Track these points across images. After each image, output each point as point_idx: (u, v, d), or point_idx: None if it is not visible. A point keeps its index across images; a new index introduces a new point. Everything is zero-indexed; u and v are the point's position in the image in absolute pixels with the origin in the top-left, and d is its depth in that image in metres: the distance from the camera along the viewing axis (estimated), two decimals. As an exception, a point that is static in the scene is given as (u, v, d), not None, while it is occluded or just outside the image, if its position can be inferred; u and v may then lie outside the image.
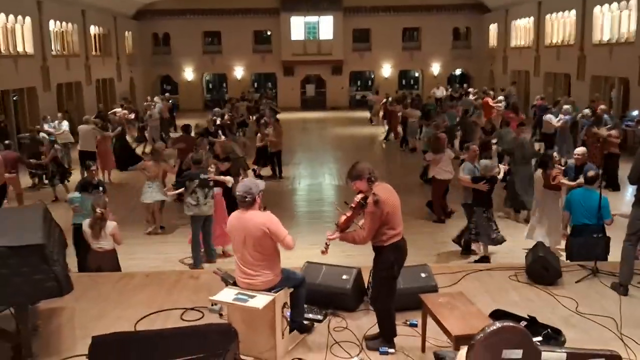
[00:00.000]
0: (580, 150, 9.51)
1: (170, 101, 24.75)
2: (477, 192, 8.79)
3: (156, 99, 23.36)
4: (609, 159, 12.47)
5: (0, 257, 4.72)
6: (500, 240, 8.76)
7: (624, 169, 11.37)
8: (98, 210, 7.20)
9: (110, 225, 7.29)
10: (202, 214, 8.74)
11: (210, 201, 8.83)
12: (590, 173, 7.59)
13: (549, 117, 15.85)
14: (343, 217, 5.07)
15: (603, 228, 7.43)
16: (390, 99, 22.57)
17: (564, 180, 8.77)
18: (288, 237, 5.10)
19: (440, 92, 28.83)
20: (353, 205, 5.05)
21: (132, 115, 20.17)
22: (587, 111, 15.51)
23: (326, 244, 5.07)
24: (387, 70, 34.66)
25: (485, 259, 8.79)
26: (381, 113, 23.94)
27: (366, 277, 6.24)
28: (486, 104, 19.78)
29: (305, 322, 5.64)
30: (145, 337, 4.61)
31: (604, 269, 6.92)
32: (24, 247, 4.79)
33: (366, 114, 28.05)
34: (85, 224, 7.37)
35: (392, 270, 5.12)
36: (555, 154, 9.62)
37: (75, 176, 13.34)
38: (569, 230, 7.96)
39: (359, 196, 5.05)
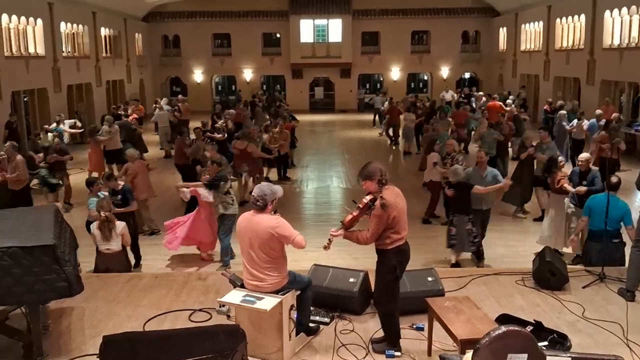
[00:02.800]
0: (584, 156, 9.39)
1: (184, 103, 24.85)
2: (453, 198, 8.73)
3: (163, 101, 23.23)
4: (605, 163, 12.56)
5: (13, 257, 4.80)
6: (474, 250, 8.73)
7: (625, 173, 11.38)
8: (102, 213, 7.27)
9: (120, 225, 7.37)
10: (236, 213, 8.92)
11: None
12: (614, 179, 7.55)
13: (578, 123, 15.74)
14: (349, 216, 5.11)
15: (620, 233, 7.42)
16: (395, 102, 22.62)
17: (567, 186, 8.77)
18: (298, 237, 5.13)
19: (449, 95, 28.80)
20: (360, 205, 5.08)
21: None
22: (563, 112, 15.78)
23: (329, 239, 5.11)
24: (395, 73, 34.67)
25: (457, 265, 8.69)
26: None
27: (373, 280, 6.27)
28: (492, 107, 19.86)
29: (311, 324, 5.68)
30: (154, 337, 4.67)
31: (611, 274, 6.92)
32: (36, 247, 4.87)
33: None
34: (94, 226, 7.45)
35: (394, 274, 5.15)
36: (561, 158, 9.57)
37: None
38: (579, 236, 7.94)
39: (368, 197, 5.08)
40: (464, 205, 8.62)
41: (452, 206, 9.01)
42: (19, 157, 11.11)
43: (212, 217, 9.21)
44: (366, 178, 5.07)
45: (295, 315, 5.34)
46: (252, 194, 5.25)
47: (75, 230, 6.66)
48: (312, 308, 5.96)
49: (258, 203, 5.13)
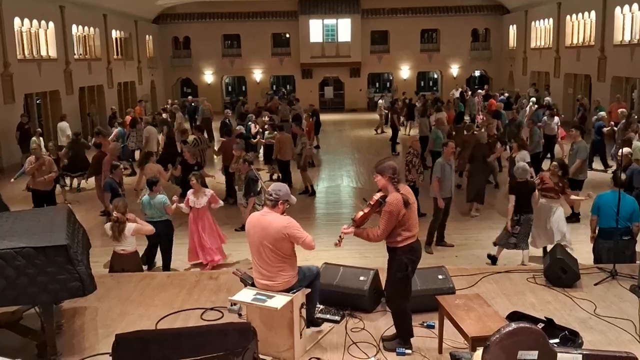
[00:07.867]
0: (626, 150, 9.16)
1: (193, 104, 25.12)
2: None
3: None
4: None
5: (26, 257, 4.86)
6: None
7: None
8: (114, 214, 7.30)
9: (131, 227, 7.38)
10: None
11: None
12: (622, 175, 7.48)
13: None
14: (360, 213, 5.14)
15: (631, 231, 7.37)
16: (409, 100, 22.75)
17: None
18: (308, 238, 5.15)
19: (459, 93, 28.73)
20: (371, 202, 5.11)
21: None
22: (602, 113, 15.76)
23: (340, 236, 5.14)
24: (405, 72, 34.61)
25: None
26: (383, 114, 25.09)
27: (383, 279, 6.27)
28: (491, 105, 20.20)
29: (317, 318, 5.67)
30: (167, 335, 4.70)
31: (622, 271, 6.88)
32: (49, 247, 4.93)
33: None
34: (107, 226, 7.51)
35: (406, 272, 5.15)
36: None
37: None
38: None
39: (378, 194, 5.11)
40: (529, 203, 8.52)
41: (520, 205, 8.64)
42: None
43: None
44: (378, 172, 5.13)
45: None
46: (269, 188, 5.34)
47: (88, 231, 6.73)
48: (323, 306, 6.00)
49: (271, 197, 5.19)
